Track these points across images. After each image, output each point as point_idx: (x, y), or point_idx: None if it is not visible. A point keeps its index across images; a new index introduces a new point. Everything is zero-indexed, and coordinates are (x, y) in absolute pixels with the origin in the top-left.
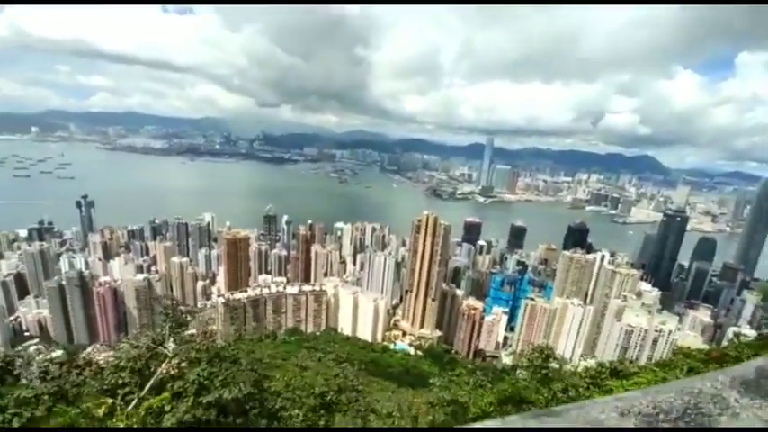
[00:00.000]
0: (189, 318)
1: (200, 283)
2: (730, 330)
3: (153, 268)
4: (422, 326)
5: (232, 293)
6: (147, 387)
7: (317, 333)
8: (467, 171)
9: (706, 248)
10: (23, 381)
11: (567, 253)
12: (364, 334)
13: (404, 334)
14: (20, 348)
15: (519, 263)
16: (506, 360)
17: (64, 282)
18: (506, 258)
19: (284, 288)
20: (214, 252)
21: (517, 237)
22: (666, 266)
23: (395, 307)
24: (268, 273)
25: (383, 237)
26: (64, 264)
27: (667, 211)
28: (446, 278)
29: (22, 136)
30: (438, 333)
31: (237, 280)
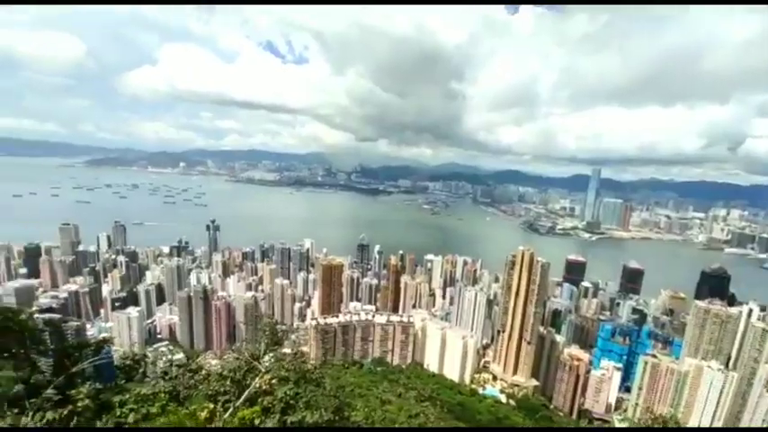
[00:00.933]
0: (284, 337)
1: (297, 305)
2: None
3: (260, 288)
4: (515, 372)
5: (324, 317)
6: (242, 398)
7: (403, 366)
8: (568, 204)
9: None
10: (148, 378)
11: (700, 303)
12: (451, 373)
13: (494, 378)
14: (151, 349)
15: (635, 311)
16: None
17: (192, 294)
18: (618, 304)
19: (373, 316)
20: (311, 276)
21: (632, 280)
22: None
23: (485, 347)
24: (359, 300)
25: (474, 271)
26: (193, 278)
27: None
28: (544, 321)
29: (172, 170)
30: (534, 382)
31: (330, 304)
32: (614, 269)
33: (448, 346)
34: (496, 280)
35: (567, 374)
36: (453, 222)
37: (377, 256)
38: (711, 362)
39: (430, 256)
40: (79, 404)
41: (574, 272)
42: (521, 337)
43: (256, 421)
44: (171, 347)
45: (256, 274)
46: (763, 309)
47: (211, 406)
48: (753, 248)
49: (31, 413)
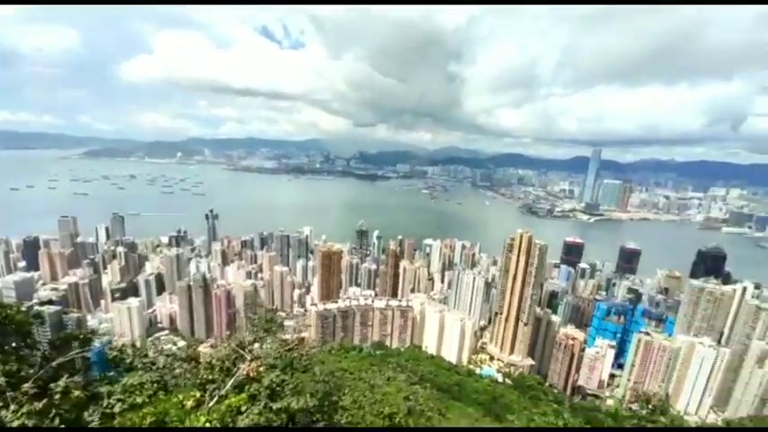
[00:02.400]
0: (277, 325)
1: (296, 292)
2: None
3: (259, 275)
4: (511, 352)
5: (324, 303)
6: (226, 387)
7: (402, 349)
8: (567, 186)
9: None
10: (139, 368)
11: (695, 282)
12: (449, 354)
13: (491, 359)
14: (151, 338)
15: (630, 290)
16: (611, 402)
17: (191, 283)
18: (614, 284)
19: (372, 301)
20: (310, 263)
21: (628, 260)
22: None
23: (483, 329)
24: (358, 285)
25: (473, 255)
26: (192, 267)
27: None
28: (541, 302)
29: (170, 160)
30: (530, 361)
31: (330, 291)
32: (612, 250)
33: (446, 329)
34: (495, 263)
35: (562, 353)
36: (452, 207)
37: (376, 242)
38: (704, 338)
39: (429, 241)
40: (56, 396)
41: (572, 254)
42: (518, 319)
43: (243, 408)
44: (165, 337)
45: (256, 262)
46: (757, 287)
47: (198, 394)
48: (750, 227)
49: (12, 406)
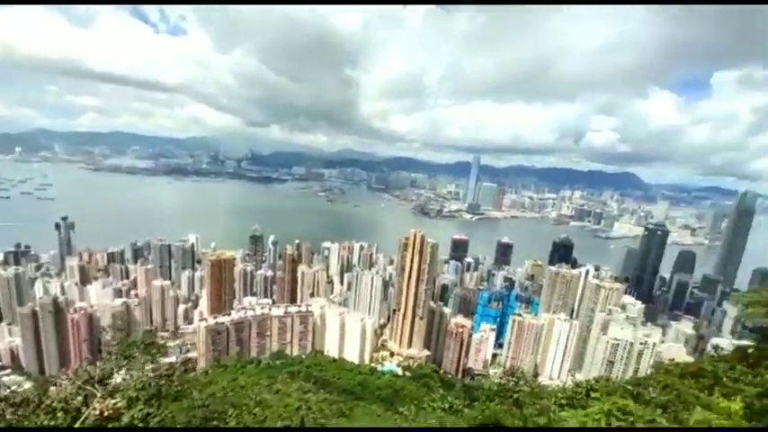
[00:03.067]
0: (137, 350)
1: (181, 307)
2: (714, 341)
3: (132, 292)
4: (410, 346)
5: (215, 317)
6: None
7: (303, 356)
8: (454, 189)
9: (686, 261)
10: None
11: (552, 268)
12: (351, 355)
13: (392, 354)
14: None
15: (506, 279)
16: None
17: (37, 308)
18: (494, 275)
19: (269, 310)
20: (198, 274)
21: (504, 253)
22: (649, 279)
23: (382, 327)
24: (254, 294)
25: (371, 255)
26: (39, 289)
27: (648, 226)
28: (434, 296)
29: (5, 156)
30: (426, 352)
31: (221, 302)
32: (491, 245)
33: (347, 330)
34: (391, 263)
35: (454, 341)
36: (349, 209)
37: (271, 247)
38: (560, 314)
39: (327, 244)
40: None
41: (459, 249)
42: (414, 314)
43: None
44: (7, 377)
45: (128, 278)
46: (597, 269)
47: None
48: (589, 221)
49: None
